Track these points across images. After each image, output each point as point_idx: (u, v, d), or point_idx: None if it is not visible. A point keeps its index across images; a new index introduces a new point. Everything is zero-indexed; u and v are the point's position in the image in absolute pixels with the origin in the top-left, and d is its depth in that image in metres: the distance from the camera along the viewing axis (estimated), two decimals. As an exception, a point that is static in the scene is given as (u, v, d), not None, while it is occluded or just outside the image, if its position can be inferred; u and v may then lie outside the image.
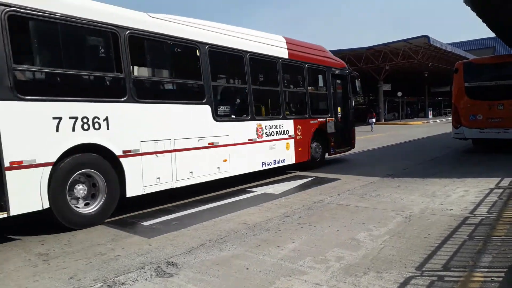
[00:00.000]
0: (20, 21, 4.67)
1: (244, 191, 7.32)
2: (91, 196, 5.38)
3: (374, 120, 28.25)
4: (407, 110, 50.42)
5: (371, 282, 3.24)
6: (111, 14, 5.53)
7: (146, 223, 5.35)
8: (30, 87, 4.88)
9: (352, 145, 11.91)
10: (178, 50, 6.81)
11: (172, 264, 3.81)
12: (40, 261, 4.03)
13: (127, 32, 5.67)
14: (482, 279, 3.25)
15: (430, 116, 48.20)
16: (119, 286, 3.35)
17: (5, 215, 4.46)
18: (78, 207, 5.22)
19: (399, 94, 39.20)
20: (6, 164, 4.42)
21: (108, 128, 5.40)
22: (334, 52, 35.69)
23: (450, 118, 14.01)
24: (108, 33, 5.52)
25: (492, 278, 3.25)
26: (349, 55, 34.81)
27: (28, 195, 4.62)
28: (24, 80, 4.88)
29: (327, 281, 3.29)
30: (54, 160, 4.84)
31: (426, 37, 29.45)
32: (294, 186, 7.68)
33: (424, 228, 4.63)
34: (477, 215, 5.12)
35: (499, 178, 7.60)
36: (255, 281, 3.35)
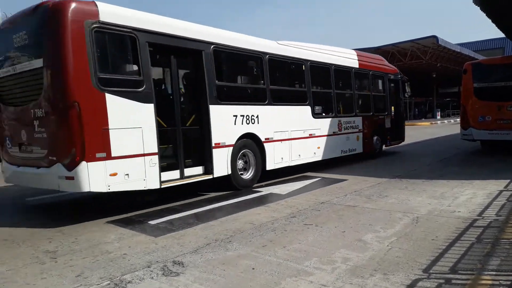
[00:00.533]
0: (218, 55, 7.21)
1: (250, 191, 7.32)
2: (243, 168, 7.73)
3: None
4: (415, 110, 50.10)
5: (378, 284, 3.22)
6: (259, 45, 8.11)
7: (152, 222, 5.37)
8: (223, 96, 7.17)
9: (403, 139, 14.04)
10: (292, 66, 9.29)
11: (178, 263, 3.82)
12: (47, 258, 4.07)
13: (267, 56, 8.13)
14: (490, 282, 3.22)
15: (438, 117, 47.87)
16: (125, 285, 3.36)
17: (211, 177, 6.91)
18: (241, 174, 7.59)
19: (407, 94, 38.91)
20: (213, 145, 6.86)
21: (258, 123, 7.85)
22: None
23: (458, 119, 14.20)
24: (258, 58, 8.06)
25: (501, 281, 3.22)
26: (357, 55, 34.65)
27: (222, 165, 7.05)
28: (221, 91, 7.14)
29: (333, 282, 3.28)
30: (233, 143, 7.29)
31: (434, 37, 29.23)
32: (300, 186, 7.66)
33: (432, 230, 4.60)
34: (485, 218, 5.07)
35: (508, 180, 7.52)
36: (261, 281, 3.35)
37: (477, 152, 12.89)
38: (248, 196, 6.92)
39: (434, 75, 40.04)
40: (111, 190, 5.34)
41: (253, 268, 3.64)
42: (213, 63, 6.92)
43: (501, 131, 11.38)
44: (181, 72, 6.91)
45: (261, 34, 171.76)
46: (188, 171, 6.65)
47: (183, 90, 7.04)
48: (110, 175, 5.29)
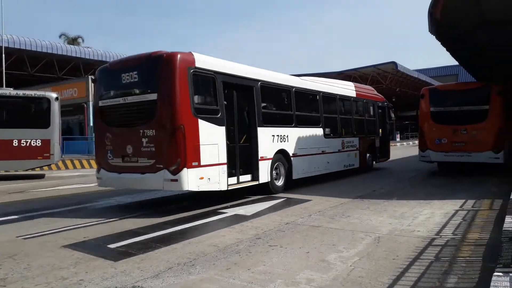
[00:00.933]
0: (263, 89, 9.20)
1: (215, 213, 7.22)
2: (275, 178, 9.45)
3: None
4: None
5: (341, 305, 3.22)
6: (288, 80, 10.41)
7: (112, 246, 5.16)
8: (266, 120, 9.10)
9: (388, 157, 16.36)
10: (310, 96, 11.40)
11: (138, 289, 3.68)
12: (-4, 286, 3.81)
13: (293, 89, 10.33)
14: (448, 300, 3.30)
15: (398, 139, 49.62)
16: (81, 313, 3.19)
17: (257, 183, 8.74)
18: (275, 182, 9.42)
19: (393, 119, 40.09)
20: (259, 158, 8.77)
21: (287, 141, 9.82)
22: (306, 75, 36.42)
23: (416, 142, 15.31)
24: (288, 90, 10.22)
25: (458, 299, 3.31)
26: (321, 79, 35.62)
27: (264, 174, 8.89)
28: (264, 116, 9.14)
29: (297, 304, 3.25)
30: (271, 157, 9.17)
31: (393, 63, 30.61)
32: (265, 207, 7.65)
33: (393, 250, 4.69)
34: (443, 237, 5.24)
35: (463, 200, 7.85)
36: (224, 305, 3.27)
37: (434, 173, 13.40)
38: (213, 217, 6.82)
39: (394, 99, 41.63)
40: (200, 189, 7.26)
41: (216, 292, 3.56)
42: (259, 95, 8.97)
43: (456, 153, 11.93)
44: (239, 102, 8.66)
45: (229, 52, 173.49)
46: (241, 178, 8.45)
47: (239, 115, 8.63)
48: (200, 178, 7.13)
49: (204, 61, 7.56)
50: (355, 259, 4.39)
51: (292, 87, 10.27)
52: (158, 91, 7.02)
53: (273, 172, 9.26)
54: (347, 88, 13.29)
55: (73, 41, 40.21)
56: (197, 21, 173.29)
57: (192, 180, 6.94)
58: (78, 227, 6.24)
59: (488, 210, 7.00)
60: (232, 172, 8.10)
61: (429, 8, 8.87)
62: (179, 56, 7.01)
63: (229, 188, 7.88)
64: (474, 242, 4.98)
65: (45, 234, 5.83)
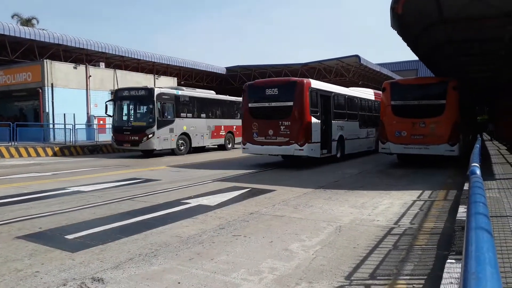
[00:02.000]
0: (334, 97, 14.75)
1: (178, 203, 7.12)
2: (336, 152, 14.73)
3: None
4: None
5: (303, 293, 3.27)
6: (345, 90, 16.25)
7: (69, 237, 4.98)
8: (335, 116, 14.44)
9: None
10: (354, 100, 16.59)
11: (98, 280, 3.57)
12: None
13: (347, 96, 15.84)
14: (405, 286, 3.43)
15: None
16: (35, 306, 3.05)
17: (330, 154, 13.97)
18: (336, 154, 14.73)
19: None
20: (332, 139, 14.22)
21: (343, 130, 14.88)
22: (271, 67, 36.63)
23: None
24: (344, 96, 15.80)
25: (414, 285, 3.44)
26: (286, 70, 35.81)
27: (333, 149, 14.32)
28: (335, 114, 14.52)
29: (260, 293, 3.27)
30: (337, 139, 14.57)
31: (357, 56, 31.18)
32: (230, 197, 7.63)
33: (353, 239, 4.82)
34: (401, 226, 5.44)
35: (421, 191, 8.17)
36: (186, 296, 3.24)
37: (394, 164, 13.87)
38: (176, 208, 6.73)
39: (356, 92, 42.61)
40: (309, 155, 12.58)
41: (179, 283, 3.52)
42: (333, 101, 14.37)
43: (415, 146, 12.37)
44: (324, 105, 13.67)
45: (197, 42, 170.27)
46: (324, 151, 13.38)
47: (324, 113, 13.63)
48: (311, 149, 12.48)
49: (314, 83, 13.14)
50: (317, 248, 4.47)
51: (346, 95, 15.79)
52: (294, 100, 12.47)
53: (337, 148, 14.47)
54: (370, 93, 19.01)
55: (27, 22, 38.15)
56: (162, 7, 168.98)
57: (308, 150, 12.35)
58: (33, 218, 5.98)
59: (443, 200, 7.32)
60: (321, 147, 13.19)
61: (391, 4, 9.07)
62: (305, 81, 12.66)
63: (320, 156, 13.10)
64: (429, 231, 5.19)
65: (-4, 225, 5.54)
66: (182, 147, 18.48)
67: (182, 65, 33.46)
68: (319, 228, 5.32)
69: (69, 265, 3.97)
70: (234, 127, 22.52)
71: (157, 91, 17.07)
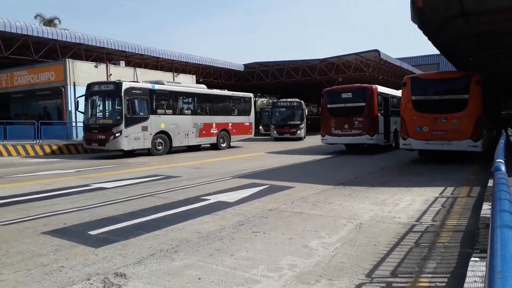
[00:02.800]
0: (383, 97, 17.92)
1: (198, 199, 7.20)
2: (392, 142, 18.48)
3: None
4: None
5: (323, 290, 3.26)
6: (395, 92, 19.32)
7: (93, 232, 5.10)
8: (391, 113, 17.79)
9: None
10: (393, 99, 18.49)
11: (121, 275, 3.64)
12: (-28, 274, 3.72)
13: (390, 96, 18.43)
14: (427, 284, 3.38)
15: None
16: (61, 300, 3.14)
17: (389, 143, 17.97)
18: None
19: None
20: (391, 131, 18.07)
21: (397, 124, 16.68)
22: (289, 63, 36.42)
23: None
24: (388, 96, 18.52)
25: (436, 283, 3.39)
26: (304, 66, 35.60)
27: (392, 139, 18.29)
28: (392, 111, 17.76)
29: (280, 290, 3.28)
30: (393, 131, 18.15)
31: (376, 51, 30.73)
32: (248, 194, 7.66)
33: (374, 236, 4.77)
34: (423, 223, 5.35)
35: (443, 188, 8.02)
36: (207, 292, 3.27)
37: (415, 160, 13.64)
38: (195, 204, 6.80)
39: (376, 87, 42.03)
40: (378, 143, 16.47)
41: (200, 278, 3.56)
42: (390, 101, 17.78)
43: (437, 142, 12.14)
44: (384, 105, 17.12)
45: (217, 38, 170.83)
46: (385, 141, 16.84)
47: (384, 112, 16.88)
48: (379, 139, 16.26)
49: (379, 88, 16.72)
50: (337, 245, 4.45)
51: (397, 96, 17.45)
52: (365, 101, 16.15)
53: (393, 139, 17.66)
54: (396, 92, 19.53)
55: (49, 22, 39.00)
56: (174, 4, 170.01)
57: (377, 139, 15.99)
58: (58, 214, 6.13)
59: (466, 197, 7.17)
60: (384, 137, 16.79)
61: (411, -3, 8.92)
62: (374, 87, 16.42)
63: (383, 144, 16.83)
64: (452, 228, 5.10)
65: (24, 221, 5.71)
66: (160, 147, 16.89)
67: (200, 63, 33.66)
68: (339, 225, 5.28)
69: (92, 260, 4.06)
70: (230, 124, 20.91)
71: (125, 85, 15.57)
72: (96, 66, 23.27)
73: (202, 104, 19.51)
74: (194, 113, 18.90)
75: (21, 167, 12.95)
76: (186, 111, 18.57)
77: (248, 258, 4.06)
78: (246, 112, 22.62)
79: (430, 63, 56.76)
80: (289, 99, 31.23)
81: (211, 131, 19.64)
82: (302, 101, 30.01)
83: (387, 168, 11.80)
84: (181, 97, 18.49)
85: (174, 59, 31.12)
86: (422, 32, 11.85)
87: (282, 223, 5.46)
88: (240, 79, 40.19)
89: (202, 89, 20.16)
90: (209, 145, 20.19)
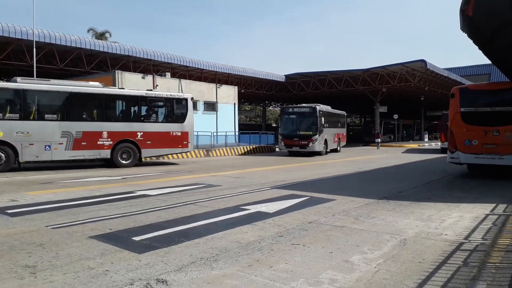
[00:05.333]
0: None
1: (238, 209, 7.24)
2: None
3: (379, 140, 34.51)
4: (403, 132, 50.73)
5: (365, 307, 3.17)
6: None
7: (136, 238, 5.25)
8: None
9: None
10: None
11: (162, 281, 3.72)
12: (27, 273, 3.93)
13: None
14: (477, 307, 3.20)
15: (426, 140, 48.48)
16: (106, 303, 3.25)
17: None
18: None
19: (395, 116, 39.56)
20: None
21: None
22: (331, 73, 36.13)
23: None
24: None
25: (487, 306, 3.20)
26: (346, 76, 35.17)
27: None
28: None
29: (320, 305, 3.22)
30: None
31: (423, 61, 29.85)
32: (288, 205, 7.61)
33: (419, 253, 4.58)
34: (472, 241, 5.08)
35: (494, 204, 7.59)
36: (246, 302, 3.27)
37: (463, 175, 13.02)
38: (235, 214, 6.84)
39: (422, 98, 40.77)
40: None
41: (238, 288, 3.56)
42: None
43: (488, 155, 11.53)
44: None
45: (262, 46, 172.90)
46: None
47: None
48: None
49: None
50: (379, 261, 4.31)
51: None
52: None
53: None
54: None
55: (101, 35, 41.10)
56: (221, 14, 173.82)
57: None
58: (104, 219, 6.38)
59: (520, 215, 6.74)
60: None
61: (460, 6, 8.62)
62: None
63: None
64: (504, 248, 4.80)
65: (72, 225, 5.99)
66: None
67: (242, 74, 34.16)
68: (382, 241, 5.13)
69: (135, 265, 4.18)
70: (139, 134, 15.71)
71: None
72: (143, 77, 24.19)
73: (84, 107, 15.15)
74: (65, 118, 14.33)
75: (71, 173, 13.61)
76: (47, 116, 14.08)
77: (287, 270, 4.03)
78: (177, 119, 16.93)
79: (480, 73, 54.34)
80: (303, 105, 25.54)
81: (99, 143, 14.91)
82: (318, 107, 23.75)
83: (432, 182, 11.33)
84: (41, 97, 14.15)
85: (218, 70, 31.81)
86: (472, 41, 11.40)
87: (323, 236, 5.37)
88: (281, 89, 40.32)
89: (85, 87, 15.16)
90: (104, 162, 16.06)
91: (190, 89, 26.17)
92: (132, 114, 16.15)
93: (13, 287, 3.59)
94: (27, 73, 24.87)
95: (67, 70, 26.10)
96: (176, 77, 27.85)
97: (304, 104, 25.29)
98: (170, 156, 20.56)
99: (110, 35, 42.80)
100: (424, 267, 4.08)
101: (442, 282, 3.69)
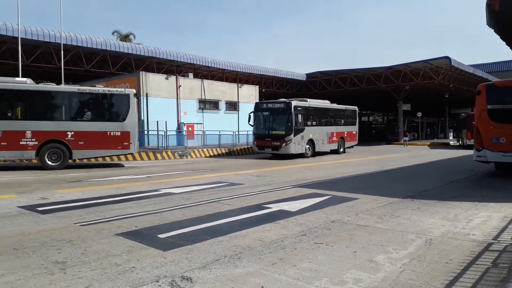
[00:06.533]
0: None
1: (260, 207, 7.27)
2: None
3: (407, 138, 33.92)
4: (427, 131, 49.70)
5: (390, 307, 3.14)
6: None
7: (162, 236, 5.35)
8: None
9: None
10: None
11: (187, 279, 3.78)
12: (56, 269, 4.06)
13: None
14: (507, 309, 3.12)
15: (451, 138, 47.35)
16: (133, 299, 3.33)
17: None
18: None
19: (419, 114, 38.80)
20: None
21: None
22: (353, 71, 35.71)
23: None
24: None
25: (518, 308, 3.12)
26: (369, 74, 34.70)
27: None
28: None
29: (344, 304, 3.21)
30: None
31: (447, 58, 29.19)
32: (310, 204, 7.59)
33: (446, 253, 4.50)
34: (501, 242, 4.95)
35: (524, 204, 7.36)
36: (270, 300, 3.29)
37: (491, 174, 12.67)
38: (257, 212, 6.88)
39: (447, 96, 39.82)
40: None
41: (262, 287, 3.58)
42: None
43: None
44: None
45: (283, 46, 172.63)
46: None
47: None
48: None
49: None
50: (405, 260, 4.26)
51: None
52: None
53: None
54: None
55: (125, 37, 41.82)
56: (246, 14, 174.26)
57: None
58: (130, 217, 6.51)
59: (552, 215, 6.52)
60: None
61: (487, 1, 8.41)
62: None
63: None
64: (536, 249, 4.66)
65: (100, 222, 6.14)
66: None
67: (263, 73, 34.21)
68: (407, 240, 5.05)
69: (161, 262, 4.26)
70: (70, 133, 14.30)
71: None
72: (166, 78, 24.51)
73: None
74: None
75: (98, 171, 13.94)
76: None
77: (311, 269, 4.02)
78: (117, 117, 15.31)
79: (507, 69, 52.73)
80: (278, 100, 21.45)
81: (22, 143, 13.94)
82: (293, 102, 19.93)
83: (458, 181, 11.07)
84: None
85: (239, 70, 31.97)
86: (499, 37, 11.09)
87: (346, 235, 5.34)
88: (302, 88, 40.15)
89: None
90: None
91: (212, 89, 26.39)
92: (63, 112, 14.83)
93: (44, 282, 3.71)
94: (55, 76, 25.64)
95: (93, 72, 26.72)
96: (198, 78, 28.11)
97: (280, 100, 21.17)
98: (193, 153, 20.77)
99: (134, 37, 43.50)
100: (451, 268, 4.01)
101: (471, 283, 3.62)
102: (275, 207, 7.28)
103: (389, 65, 32.58)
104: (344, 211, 6.92)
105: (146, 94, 23.12)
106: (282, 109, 19.92)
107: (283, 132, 19.64)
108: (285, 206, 7.39)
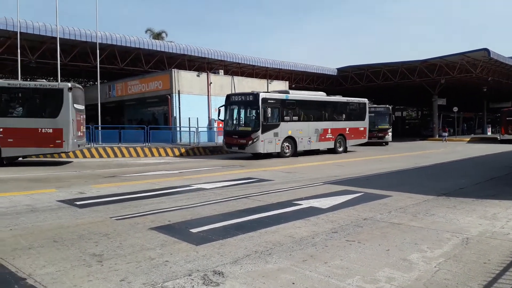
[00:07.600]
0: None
1: (290, 204, 7.26)
2: None
3: (446, 134, 33.54)
4: (463, 126, 47.93)
5: (425, 307, 3.07)
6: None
7: (194, 230, 5.44)
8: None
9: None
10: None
11: (219, 273, 3.83)
12: (94, 261, 4.22)
13: None
14: (550, 313, 2.98)
15: (489, 133, 45.48)
16: (167, 292, 3.41)
17: None
18: None
19: (455, 109, 37.47)
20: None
21: None
22: (385, 65, 34.90)
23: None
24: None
25: (562, 313, 2.97)
26: (402, 68, 33.83)
27: None
28: None
29: (377, 302, 3.16)
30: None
31: (486, 50, 27.99)
32: (342, 201, 7.50)
33: (484, 253, 4.35)
34: (544, 242, 4.73)
35: None
36: (301, 297, 3.29)
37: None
38: (288, 208, 6.87)
39: (485, 89, 38.22)
40: None
41: (293, 283, 3.58)
42: None
43: None
44: None
45: (308, 43, 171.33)
46: None
47: None
48: None
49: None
50: (440, 260, 4.15)
51: None
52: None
53: None
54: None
55: (158, 35, 42.61)
56: (273, 11, 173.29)
57: None
58: (163, 211, 6.66)
59: None
60: None
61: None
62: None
63: None
64: None
65: (134, 216, 6.32)
66: None
67: (293, 69, 34.05)
68: (442, 239, 4.92)
69: (193, 257, 4.34)
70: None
71: None
72: (198, 75, 24.83)
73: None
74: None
75: (132, 167, 14.33)
76: None
77: (343, 267, 3.99)
78: (49, 114, 14.28)
79: (553, 61, 49.93)
80: (246, 92, 18.99)
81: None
82: (261, 94, 17.22)
83: (497, 179, 10.64)
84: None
85: (268, 66, 31.94)
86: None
87: (379, 233, 5.25)
88: (333, 83, 39.67)
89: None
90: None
91: (242, 86, 26.51)
92: None
93: (82, 274, 3.86)
94: (92, 74, 26.49)
95: (127, 70, 27.44)
96: (229, 74, 28.30)
97: (247, 92, 19.09)
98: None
99: (166, 35, 44.25)
100: (489, 268, 3.87)
101: (511, 285, 3.48)
102: (305, 204, 7.24)
103: (424, 58, 31.64)
104: (376, 209, 6.80)
105: (178, 91, 23.50)
106: (250, 102, 17.46)
107: (249, 129, 17.21)
108: (315, 203, 7.35)
